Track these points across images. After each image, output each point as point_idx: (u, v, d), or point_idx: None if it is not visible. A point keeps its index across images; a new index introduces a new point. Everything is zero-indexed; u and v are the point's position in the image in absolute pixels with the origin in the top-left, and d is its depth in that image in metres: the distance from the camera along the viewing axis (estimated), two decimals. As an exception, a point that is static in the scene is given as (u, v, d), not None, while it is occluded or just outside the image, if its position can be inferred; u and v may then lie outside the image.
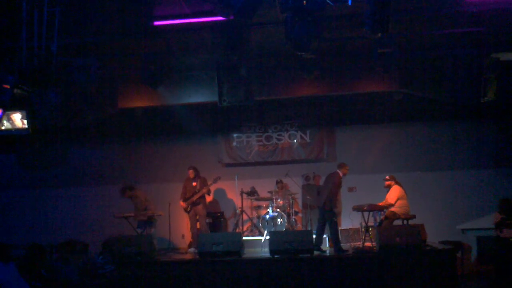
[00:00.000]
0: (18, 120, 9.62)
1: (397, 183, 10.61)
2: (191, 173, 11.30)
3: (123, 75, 10.65)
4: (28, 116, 9.72)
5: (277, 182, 12.05)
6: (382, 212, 10.65)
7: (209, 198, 11.85)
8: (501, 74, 9.19)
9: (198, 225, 11.29)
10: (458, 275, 9.44)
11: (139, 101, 11.17)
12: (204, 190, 11.13)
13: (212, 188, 11.64)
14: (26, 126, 9.75)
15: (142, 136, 12.98)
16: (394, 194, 10.42)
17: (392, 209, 10.33)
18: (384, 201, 10.58)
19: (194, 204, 11.10)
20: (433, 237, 10.71)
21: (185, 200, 11.15)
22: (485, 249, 11.04)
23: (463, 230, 11.58)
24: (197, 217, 11.22)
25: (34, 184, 13.20)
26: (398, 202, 10.35)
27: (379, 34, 8.11)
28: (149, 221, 11.15)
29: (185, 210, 11.23)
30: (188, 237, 12.02)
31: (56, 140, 12.54)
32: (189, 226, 11.56)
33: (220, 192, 12.70)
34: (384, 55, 9.37)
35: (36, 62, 7.96)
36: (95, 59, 9.50)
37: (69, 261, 7.98)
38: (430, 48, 9.79)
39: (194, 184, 11.23)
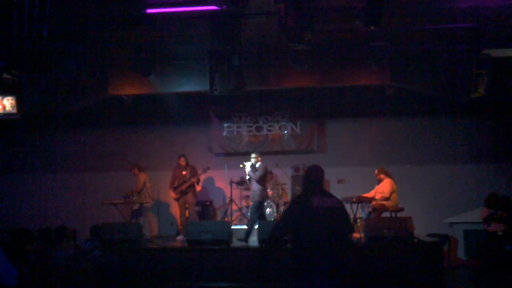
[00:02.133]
0: (7, 104, 9.58)
1: (388, 176, 10.66)
2: (182, 161, 11.28)
3: (114, 62, 10.59)
4: (17, 101, 9.68)
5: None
6: (370, 204, 10.70)
7: (198, 187, 11.85)
8: (492, 71, 9.25)
9: (187, 214, 11.30)
10: (444, 267, 9.52)
11: (129, 89, 11.10)
12: (194, 180, 11.13)
13: (202, 178, 11.63)
14: (15, 111, 9.71)
15: (132, 124, 12.94)
16: (388, 188, 10.47)
17: (382, 201, 10.39)
18: (373, 192, 10.63)
19: (184, 192, 11.10)
20: (421, 230, 10.78)
21: (174, 189, 11.15)
22: (472, 243, 11.15)
23: (451, 224, 11.67)
24: (187, 206, 11.23)
25: (22, 169, 13.15)
26: (391, 195, 10.43)
27: (372, 27, 8.14)
28: (140, 210, 11.18)
29: (175, 198, 11.25)
30: (177, 225, 12.04)
31: (45, 126, 12.47)
32: (178, 214, 11.56)
33: (210, 181, 12.72)
34: (377, 49, 9.41)
35: (26, 48, 7.89)
36: (85, 46, 9.45)
37: (57, 246, 7.98)
38: (422, 43, 9.82)
39: (184, 172, 11.22)
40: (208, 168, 11.38)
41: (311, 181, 5.11)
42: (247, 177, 10.66)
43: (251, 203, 10.67)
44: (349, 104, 12.37)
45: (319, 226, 4.73)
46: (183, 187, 11.06)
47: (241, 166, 10.84)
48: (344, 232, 5.00)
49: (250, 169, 10.39)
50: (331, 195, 5.15)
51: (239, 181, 12.07)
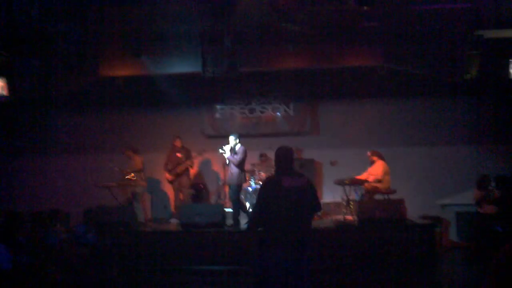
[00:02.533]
0: (-3, 86, 9.48)
1: (381, 158, 10.67)
2: (177, 143, 11.23)
3: (105, 43, 10.47)
4: (8, 83, 9.58)
5: (261, 156, 12.06)
6: (362, 186, 10.71)
7: (193, 170, 11.82)
8: (485, 52, 9.22)
9: (181, 196, 11.29)
10: (437, 249, 9.59)
11: (121, 70, 11.02)
12: (188, 163, 11.09)
13: (196, 160, 11.60)
14: (6, 92, 9.62)
15: (123, 106, 12.82)
16: (380, 170, 10.47)
17: (374, 183, 10.41)
18: (366, 174, 10.64)
19: (178, 175, 11.06)
20: (413, 212, 10.81)
21: (169, 171, 11.10)
22: (464, 225, 11.21)
23: (443, 206, 11.72)
24: (181, 188, 11.20)
25: (15, 152, 13.04)
26: (384, 177, 10.45)
27: (365, 8, 8.09)
28: (133, 193, 11.15)
29: (169, 181, 11.20)
30: (170, 208, 12.04)
31: (37, 108, 12.37)
32: (171, 196, 11.54)
33: (203, 164, 12.69)
34: (370, 29, 9.35)
35: (16, 28, 7.78)
36: (76, 26, 9.34)
37: (50, 230, 7.96)
38: (415, 23, 9.75)
39: (178, 154, 11.17)
40: (204, 150, 11.34)
41: (281, 161, 5.25)
42: (227, 161, 10.53)
43: (227, 187, 10.62)
44: (342, 86, 12.30)
45: (289, 205, 4.91)
46: (178, 169, 11.02)
47: (220, 150, 10.53)
48: (312, 210, 5.28)
49: (229, 152, 10.26)
50: (300, 175, 5.31)
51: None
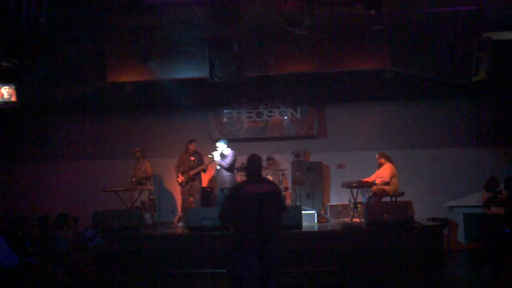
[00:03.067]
0: (5, 93, 9.54)
1: (389, 160, 10.65)
2: (193, 146, 11.24)
3: (113, 49, 10.54)
4: (16, 89, 9.65)
5: (268, 159, 12.10)
6: (370, 189, 10.70)
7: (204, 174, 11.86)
8: (492, 54, 9.20)
9: (191, 200, 11.28)
10: (444, 251, 9.56)
11: (128, 75, 11.07)
12: (202, 167, 11.15)
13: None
14: (14, 99, 9.68)
15: (131, 111, 12.91)
16: (388, 172, 10.43)
17: (382, 186, 10.39)
18: (374, 177, 10.62)
19: (191, 179, 11.07)
20: (421, 214, 10.82)
21: (182, 173, 11.08)
22: (472, 227, 11.17)
23: (451, 208, 11.70)
24: (191, 192, 11.20)
25: (23, 157, 13.13)
26: (391, 180, 10.43)
27: (372, 11, 8.10)
28: (141, 196, 11.19)
29: (181, 184, 11.16)
30: (177, 212, 12.06)
31: (45, 114, 12.45)
32: (179, 200, 11.55)
33: (211, 168, 12.71)
34: (377, 33, 9.36)
35: (25, 35, 7.84)
36: (84, 32, 9.41)
37: (58, 234, 8.00)
38: (422, 26, 9.77)
39: (192, 158, 11.18)
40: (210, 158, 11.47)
41: (249, 169, 5.66)
42: (218, 167, 10.70)
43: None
44: (349, 89, 12.32)
45: (252, 209, 5.31)
46: (191, 173, 11.05)
47: (209, 156, 10.76)
48: (279, 213, 5.60)
49: (219, 157, 10.48)
50: (268, 181, 5.91)
51: (239, 167, 12.06)
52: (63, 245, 7.73)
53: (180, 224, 11.08)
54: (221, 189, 10.45)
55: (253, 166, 5.61)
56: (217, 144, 10.73)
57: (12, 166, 13.20)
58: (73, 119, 13.06)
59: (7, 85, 9.49)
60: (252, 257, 5.22)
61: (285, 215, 5.89)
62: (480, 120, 12.12)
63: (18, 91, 9.70)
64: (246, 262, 5.23)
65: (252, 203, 5.35)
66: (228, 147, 10.66)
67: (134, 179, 11.30)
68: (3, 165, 13.22)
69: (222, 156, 10.47)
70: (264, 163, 12.00)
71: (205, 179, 12.53)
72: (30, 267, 6.80)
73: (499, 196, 9.17)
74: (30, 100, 10.33)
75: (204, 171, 11.39)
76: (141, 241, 9.53)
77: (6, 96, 9.56)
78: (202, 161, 11.17)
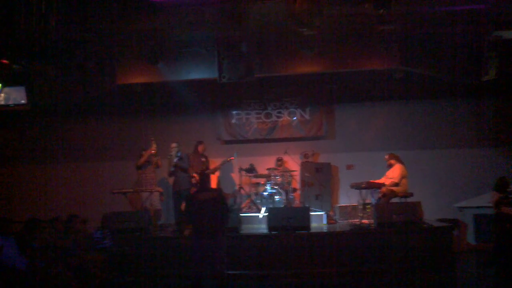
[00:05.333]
0: (17, 95, 9.61)
1: (399, 161, 10.60)
2: (201, 148, 11.31)
3: (122, 51, 10.57)
4: (27, 92, 9.71)
5: (278, 160, 12.10)
6: (379, 190, 10.66)
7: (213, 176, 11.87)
8: (502, 53, 9.14)
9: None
10: (454, 252, 9.52)
11: (138, 77, 11.11)
12: (212, 168, 11.21)
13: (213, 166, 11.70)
14: (25, 101, 9.75)
15: (140, 113, 12.93)
16: (398, 173, 10.39)
17: (391, 187, 10.35)
18: (384, 178, 10.59)
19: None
20: (430, 215, 10.78)
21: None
22: (482, 227, 11.11)
23: (460, 208, 11.64)
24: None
25: (33, 160, 13.20)
26: (401, 180, 10.40)
27: (382, 11, 8.07)
28: (150, 198, 11.20)
29: (192, 184, 11.16)
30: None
31: (55, 116, 12.51)
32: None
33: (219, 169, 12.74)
34: (386, 33, 9.32)
35: (35, 38, 7.89)
36: (94, 35, 9.44)
37: (68, 235, 8.03)
38: (431, 26, 9.71)
39: (203, 159, 11.23)
40: (226, 161, 11.76)
41: (199, 183, 7.90)
42: (171, 168, 11.22)
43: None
44: (358, 89, 12.30)
45: (202, 211, 7.37)
46: (212, 172, 11.16)
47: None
48: (222, 213, 7.51)
49: (176, 158, 11.11)
50: (214, 190, 8.83)
51: (248, 168, 12.08)
52: (72, 247, 7.77)
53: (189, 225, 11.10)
54: (177, 191, 11.03)
55: (202, 181, 7.74)
56: (173, 144, 11.30)
57: (22, 168, 13.28)
58: (83, 121, 13.11)
59: (18, 88, 9.56)
60: (203, 243, 7.29)
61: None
62: (491, 120, 12.03)
63: (29, 94, 9.77)
64: (198, 247, 7.32)
65: (201, 206, 7.39)
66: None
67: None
68: (13, 167, 13.31)
69: (178, 157, 10.97)
70: (275, 164, 12.03)
71: (213, 180, 12.56)
72: (38, 270, 6.83)
73: (510, 196, 9.11)
74: (41, 103, 10.38)
75: (213, 172, 11.41)
76: (150, 243, 9.56)
77: (17, 98, 9.65)
78: (208, 162, 11.27)
